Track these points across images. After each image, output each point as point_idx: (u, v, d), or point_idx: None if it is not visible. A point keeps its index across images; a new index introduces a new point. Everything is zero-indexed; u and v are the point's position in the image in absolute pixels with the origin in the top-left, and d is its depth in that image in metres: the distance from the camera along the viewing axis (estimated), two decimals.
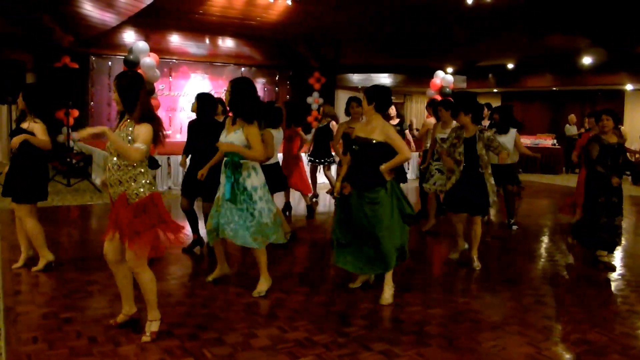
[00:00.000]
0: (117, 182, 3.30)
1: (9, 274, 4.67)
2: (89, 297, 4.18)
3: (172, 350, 3.27)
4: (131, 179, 3.29)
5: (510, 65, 15.71)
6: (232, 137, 4.12)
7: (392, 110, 7.48)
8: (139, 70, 8.38)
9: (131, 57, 8.33)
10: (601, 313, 4.19)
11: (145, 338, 3.38)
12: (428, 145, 6.90)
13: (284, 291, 4.42)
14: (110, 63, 12.72)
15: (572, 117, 15.00)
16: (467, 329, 3.77)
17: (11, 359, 3.12)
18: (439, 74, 11.33)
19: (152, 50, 9.03)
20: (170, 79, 13.61)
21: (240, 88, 4.15)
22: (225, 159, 4.18)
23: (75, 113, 11.27)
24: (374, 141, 4.07)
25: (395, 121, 7.49)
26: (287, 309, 4.01)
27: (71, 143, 10.59)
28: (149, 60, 8.39)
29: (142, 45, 8.49)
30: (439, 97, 11.09)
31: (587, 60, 13.63)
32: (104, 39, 12.15)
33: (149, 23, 11.72)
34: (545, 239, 6.94)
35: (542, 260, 5.88)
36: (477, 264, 5.22)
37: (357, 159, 4.20)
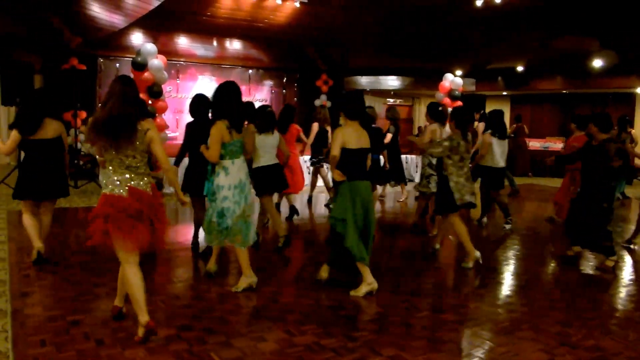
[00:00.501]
0: None
1: (17, 276, 4.65)
2: (97, 299, 4.15)
3: (180, 353, 3.24)
4: None
5: (519, 68, 15.61)
6: None
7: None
8: (147, 73, 8.39)
9: (139, 59, 8.32)
10: (614, 319, 4.12)
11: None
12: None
13: (293, 295, 4.39)
14: (118, 65, 12.74)
15: None
16: (479, 334, 3.71)
17: None
18: (448, 76, 11.27)
19: (159, 52, 9.02)
20: (178, 81, 13.63)
21: (214, 92, 4.45)
22: None
23: (83, 115, 11.30)
24: None
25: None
26: (295, 313, 3.97)
27: (79, 145, 10.62)
28: (156, 62, 8.39)
29: (150, 47, 8.48)
30: (447, 100, 11.04)
31: (597, 63, 13.51)
32: (112, 41, 12.17)
33: (157, 25, 11.73)
34: (555, 243, 6.85)
35: (553, 264, 5.81)
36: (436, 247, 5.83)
37: None
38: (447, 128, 6.69)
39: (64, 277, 4.68)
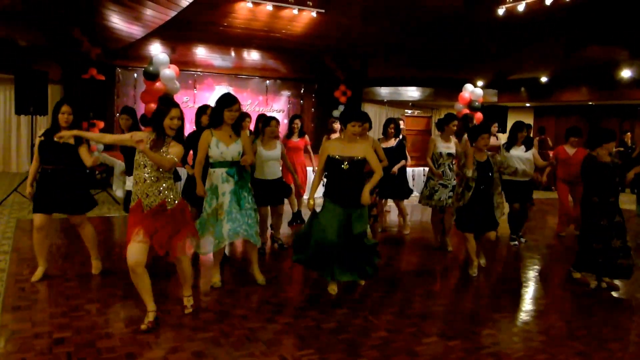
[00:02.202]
0: (156, 191, 3.68)
1: (12, 289, 4.51)
2: (87, 316, 3.96)
3: None
4: (169, 189, 3.76)
5: (543, 79, 15.17)
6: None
7: (336, 125, 8.20)
8: (159, 82, 8.31)
9: (151, 68, 8.25)
10: None
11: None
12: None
13: (292, 314, 4.14)
14: (135, 75, 12.77)
15: None
16: None
17: None
18: (468, 87, 10.96)
19: (177, 62, 8.96)
20: (195, 91, 13.60)
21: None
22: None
23: (101, 124, 11.31)
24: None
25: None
26: (292, 336, 3.72)
27: (96, 153, 10.60)
28: (168, 72, 8.30)
29: (162, 57, 8.41)
30: (467, 111, 10.72)
31: (626, 73, 13.01)
32: (130, 51, 12.22)
33: (174, 35, 11.73)
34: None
35: (576, 287, 5.42)
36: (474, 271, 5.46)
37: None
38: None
39: (60, 291, 4.52)
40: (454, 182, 6.29)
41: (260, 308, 4.24)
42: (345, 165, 4.41)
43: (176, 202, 3.78)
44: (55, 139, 4.00)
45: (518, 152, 6.73)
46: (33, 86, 8.25)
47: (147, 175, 3.66)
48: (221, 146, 4.47)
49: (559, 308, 4.62)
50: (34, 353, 3.31)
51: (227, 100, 4.51)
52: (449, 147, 6.44)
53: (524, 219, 7.10)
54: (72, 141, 4.54)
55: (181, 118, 3.71)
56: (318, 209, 4.60)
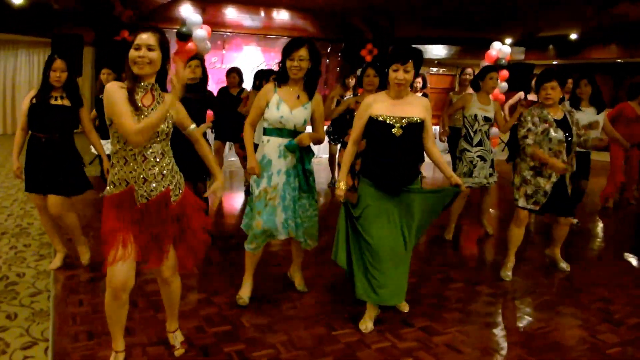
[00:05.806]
0: (159, 175, 2.45)
1: (64, 238, 4.78)
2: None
3: (210, 317, 3.28)
4: (174, 170, 2.56)
5: (573, 36, 14.79)
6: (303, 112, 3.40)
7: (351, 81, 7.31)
8: (191, 42, 8.40)
9: (184, 29, 8.35)
10: None
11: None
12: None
13: (322, 263, 4.34)
14: (167, 36, 12.92)
15: None
16: (515, 308, 3.59)
17: (58, 319, 3.20)
18: (496, 45, 10.75)
19: (207, 23, 9.00)
20: (224, 52, 13.69)
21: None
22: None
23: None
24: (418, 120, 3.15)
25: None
26: (324, 281, 3.94)
27: None
28: (201, 32, 8.39)
29: (195, 17, 8.50)
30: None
31: None
32: (161, 13, 12.37)
33: None
34: (603, 218, 6.49)
35: (599, 240, 5.51)
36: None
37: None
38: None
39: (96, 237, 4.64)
40: (493, 155, 5.04)
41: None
42: (396, 130, 3.11)
43: (181, 190, 2.56)
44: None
45: (586, 113, 5.04)
46: (69, 49, 8.45)
47: (146, 149, 2.42)
48: (283, 108, 3.30)
49: (583, 257, 4.71)
50: (89, 295, 3.54)
51: (287, 47, 3.32)
52: (486, 109, 4.93)
53: (580, 197, 5.60)
54: (68, 103, 3.83)
55: (152, 48, 2.42)
56: None
